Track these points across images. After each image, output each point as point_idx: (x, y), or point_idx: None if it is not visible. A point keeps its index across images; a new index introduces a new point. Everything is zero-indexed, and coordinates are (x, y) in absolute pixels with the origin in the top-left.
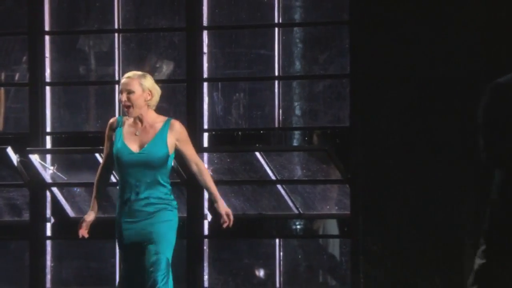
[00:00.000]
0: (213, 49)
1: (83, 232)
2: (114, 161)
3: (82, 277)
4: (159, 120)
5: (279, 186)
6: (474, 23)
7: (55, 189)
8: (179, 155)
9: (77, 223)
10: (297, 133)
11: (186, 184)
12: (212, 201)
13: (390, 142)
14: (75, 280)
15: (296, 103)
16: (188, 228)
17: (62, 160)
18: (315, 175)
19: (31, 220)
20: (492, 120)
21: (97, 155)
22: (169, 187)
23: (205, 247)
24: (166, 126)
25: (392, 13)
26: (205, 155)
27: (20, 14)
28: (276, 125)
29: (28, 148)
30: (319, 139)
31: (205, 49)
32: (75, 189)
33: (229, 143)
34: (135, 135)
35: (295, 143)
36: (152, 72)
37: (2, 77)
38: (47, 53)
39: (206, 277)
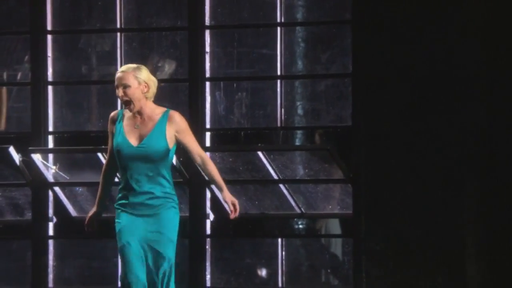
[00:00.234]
0: (215, 49)
1: (89, 228)
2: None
3: (84, 277)
4: (158, 112)
5: (281, 186)
6: (474, 23)
7: (57, 189)
8: (182, 148)
9: (79, 222)
10: (299, 133)
11: (188, 184)
12: (220, 200)
13: (392, 141)
14: (77, 280)
15: (298, 103)
16: (191, 228)
17: (64, 160)
18: (317, 175)
19: (33, 219)
20: None
21: (99, 154)
22: (171, 181)
23: (207, 247)
24: (165, 117)
25: (394, 13)
26: (208, 154)
27: (22, 13)
28: (279, 124)
29: (30, 148)
30: (321, 138)
31: (207, 49)
32: (77, 188)
33: (231, 142)
34: (135, 128)
35: (297, 143)
36: (154, 72)
37: (5, 76)
38: (49, 52)
39: (208, 276)
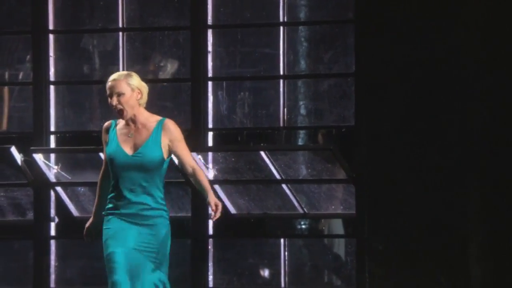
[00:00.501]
0: (218, 48)
1: (88, 237)
2: None
3: (86, 277)
4: (152, 120)
5: (284, 186)
6: (476, 23)
7: (59, 189)
8: (174, 157)
9: (81, 222)
10: (302, 132)
11: (191, 184)
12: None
13: (395, 141)
14: (79, 280)
15: (301, 102)
16: (193, 228)
17: (66, 160)
18: (320, 175)
19: (35, 219)
20: None
21: (101, 154)
22: (163, 192)
23: (209, 247)
24: (160, 127)
25: (397, 12)
26: (210, 154)
27: (24, 13)
28: (281, 124)
29: (32, 148)
30: (324, 138)
31: (210, 48)
32: (79, 188)
33: (233, 142)
34: (129, 137)
35: (300, 142)
36: (156, 71)
37: (6, 76)
38: (51, 52)
39: (210, 277)
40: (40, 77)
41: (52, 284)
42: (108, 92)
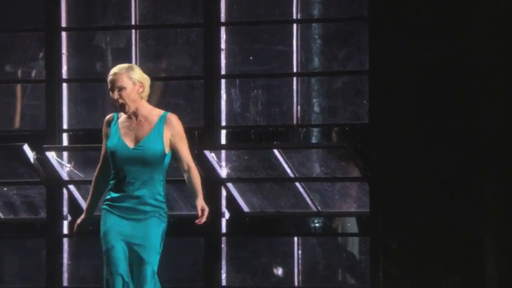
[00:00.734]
0: (231, 46)
1: (79, 235)
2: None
3: (99, 275)
4: (154, 113)
5: (297, 184)
6: (490, 23)
7: (71, 187)
8: (172, 152)
9: (94, 220)
10: (315, 130)
11: (204, 182)
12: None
13: (410, 139)
14: (92, 278)
15: (314, 100)
16: (206, 226)
17: (79, 158)
18: (333, 173)
19: (48, 217)
20: None
21: None
22: (164, 188)
23: (223, 245)
24: (162, 120)
25: (411, 10)
26: (223, 152)
27: (37, 11)
28: (295, 122)
29: (44, 145)
30: (337, 136)
31: (223, 46)
32: None
33: (247, 140)
34: (130, 130)
35: (313, 140)
36: (169, 69)
37: (19, 74)
38: (64, 50)
39: (224, 275)
40: (53, 74)
41: (65, 282)
42: (109, 86)
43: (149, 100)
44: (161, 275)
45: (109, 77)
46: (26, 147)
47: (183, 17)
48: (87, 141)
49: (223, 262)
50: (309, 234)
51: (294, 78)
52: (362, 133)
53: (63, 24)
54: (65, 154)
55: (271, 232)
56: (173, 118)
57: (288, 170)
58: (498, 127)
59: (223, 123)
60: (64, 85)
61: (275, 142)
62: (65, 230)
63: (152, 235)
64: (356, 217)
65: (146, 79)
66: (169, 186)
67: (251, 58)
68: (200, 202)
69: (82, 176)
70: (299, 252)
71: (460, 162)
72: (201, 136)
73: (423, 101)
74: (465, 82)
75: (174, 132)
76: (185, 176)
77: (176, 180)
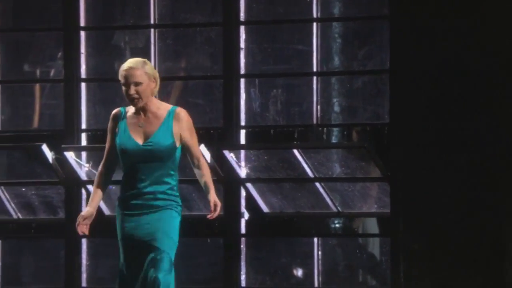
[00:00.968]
0: (250, 45)
1: (82, 229)
2: (117, 155)
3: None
4: (163, 108)
5: (317, 184)
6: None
7: (90, 187)
8: (182, 147)
9: (112, 221)
10: (335, 130)
11: (223, 182)
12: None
13: (431, 139)
14: (111, 279)
15: (334, 100)
16: (225, 227)
17: (97, 158)
18: (354, 173)
19: (67, 218)
20: None
21: None
22: (177, 182)
23: (242, 246)
24: (171, 115)
25: (432, 9)
26: (242, 152)
27: (56, 10)
28: (314, 121)
29: (63, 145)
30: (358, 136)
31: (242, 45)
32: (110, 186)
33: (266, 140)
34: (139, 127)
35: (333, 140)
36: (188, 68)
37: (38, 73)
38: (83, 49)
39: (243, 276)
40: (71, 74)
41: (84, 283)
42: (123, 80)
43: (168, 100)
44: (180, 276)
45: (123, 72)
46: (45, 147)
47: (202, 16)
48: (105, 141)
49: (243, 263)
50: (329, 235)
51: (314, 78)
52: (383, 133)
53: (82, 23)
54: (83, 154)
55: (291, 233)
56: (182, 113)
57: (308, 170)
58: None
59: (243, 123)
60: (83, 85)
61: (294, 142)
62: None
63: (167, 225)
64: (376, 218)
65: (157, 75)
66: (188, 187)
67: (270, 57)
68: (213, 197)
69: None
70: (319, 253)
71: (482, 162)
72: (220, 136)
73: (444, 100)
74: (486, 82)
75: (183, 126)
76: (196, 171)
77: (195, 181)
